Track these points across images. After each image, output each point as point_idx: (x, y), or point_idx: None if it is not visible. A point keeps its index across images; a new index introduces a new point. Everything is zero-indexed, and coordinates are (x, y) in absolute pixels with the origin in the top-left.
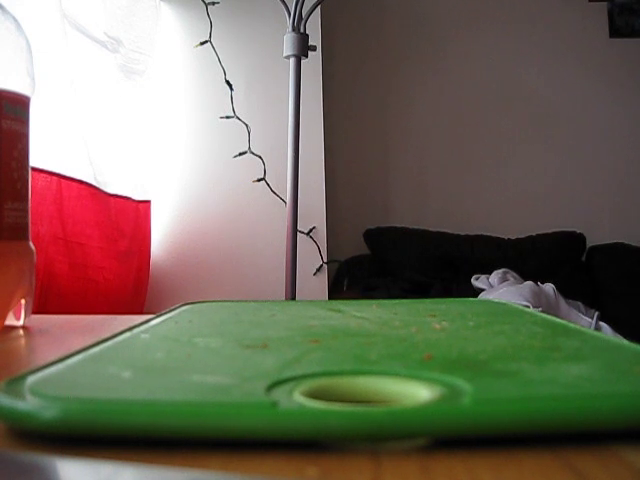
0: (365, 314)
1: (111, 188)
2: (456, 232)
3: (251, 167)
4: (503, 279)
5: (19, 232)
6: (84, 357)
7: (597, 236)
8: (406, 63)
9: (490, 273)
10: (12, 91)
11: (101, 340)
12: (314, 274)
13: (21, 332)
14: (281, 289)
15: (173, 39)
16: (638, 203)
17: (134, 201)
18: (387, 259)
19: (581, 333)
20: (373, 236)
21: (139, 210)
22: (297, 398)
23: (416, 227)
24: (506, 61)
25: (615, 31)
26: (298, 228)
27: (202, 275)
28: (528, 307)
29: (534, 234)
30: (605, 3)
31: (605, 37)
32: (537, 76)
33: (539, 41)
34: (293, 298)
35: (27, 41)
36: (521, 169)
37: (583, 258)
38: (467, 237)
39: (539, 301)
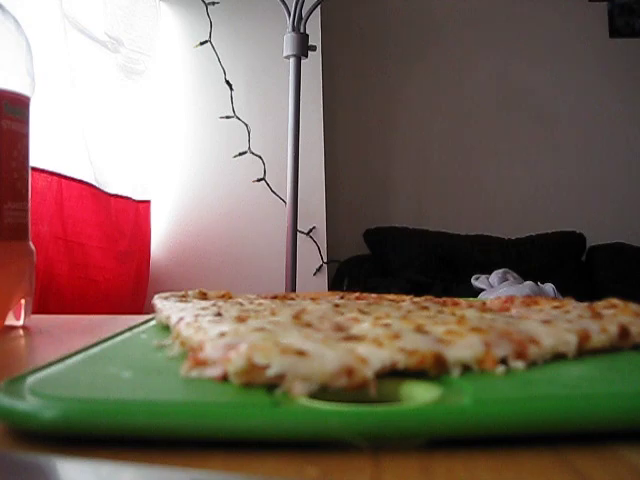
0: None
1: (111, 188)
2: (456, 232)
3: (251, 167)
4: (503, 279)
5: (19, 232)
6: (84, 357)
7: (597, 236)
8: (406, 63)
9: (490, 273)
10: (12, 91)
11: (101, 340)
12: (314, 274)
13: (21, 332)
14: (281, 289)
15: (173, 39)
16: (638, 203)
17: (134, 201)
18: (387, 259)
19: None
20: (373, 236)
21: (139, 210)
22: (297, 398)
23: (416, 227)
24: (506, 61)
25: (615, 31)
26: (298, 228)
27: (202, 275)
28: None
29: (534, 234)
30: (605, 3)
31: (605, 37)
32: (537, 76)
33: (539, 41)
34: None
35: (27, 41)
36: (521, 169)
37: (583, 258)
38: (467, 237)
39: None
